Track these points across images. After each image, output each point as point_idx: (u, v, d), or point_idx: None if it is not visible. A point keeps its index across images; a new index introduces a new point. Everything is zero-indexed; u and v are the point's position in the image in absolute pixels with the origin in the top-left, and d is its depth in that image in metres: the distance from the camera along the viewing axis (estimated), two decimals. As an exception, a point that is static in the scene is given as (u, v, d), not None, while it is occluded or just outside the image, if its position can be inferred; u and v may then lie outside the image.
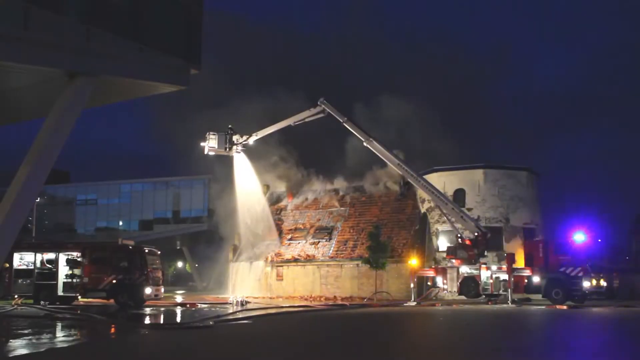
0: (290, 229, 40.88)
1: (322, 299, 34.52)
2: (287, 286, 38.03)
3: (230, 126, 35.72)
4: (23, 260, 29.00)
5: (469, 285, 29.60)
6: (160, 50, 16.56)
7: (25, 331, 17.19)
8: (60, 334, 16.74)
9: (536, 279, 28.47)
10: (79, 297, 28.53)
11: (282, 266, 38.65)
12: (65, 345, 14.39)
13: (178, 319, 22.11)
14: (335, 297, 35.02)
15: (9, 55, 13.57)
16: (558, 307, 26.34)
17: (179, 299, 35.09)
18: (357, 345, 14.28)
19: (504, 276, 28.78)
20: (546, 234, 35.44)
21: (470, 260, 29.60)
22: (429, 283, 32.10)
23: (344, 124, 32.22)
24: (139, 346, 14.76)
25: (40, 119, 16.60)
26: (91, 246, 29.70)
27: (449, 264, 30.72)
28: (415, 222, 36.99)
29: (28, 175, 14.37)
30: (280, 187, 43.39)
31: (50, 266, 28.76)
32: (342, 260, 36.79)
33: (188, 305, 28.39)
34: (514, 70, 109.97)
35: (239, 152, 36.13)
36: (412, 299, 30.17)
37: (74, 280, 28.29)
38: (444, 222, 33.78)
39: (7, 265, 28.22)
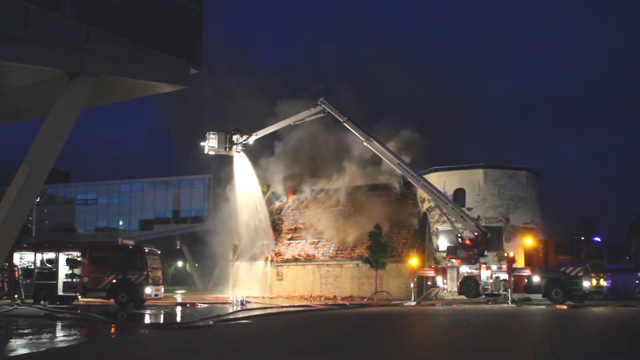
0: (290, 229, 40.87)
1: (322, 298, 34.53)
2: (287, 286, 38.03)
3: (237, 129, 35.56)
4: (23, 260, 28.98)
5: (469, 285, 29.58)
6: (160, 50, 16.56)
7: (25, 331, 17.19)
8: (60, 334, 16.74)
9: (536, 279, 28.47)
10: (79, 296, 28.52)
11: (282, 266, 38.65)
12: (65, 345, 14.39)
13: (178, 319, 22.10)
14: (335, 296, 35.03)
15: (9, 55, 13.58)
16: (558, 306, 26.34)
17: (179, 298, 35.08)
18: (357, 344, 14.29)
19: (504, 276, 28.78)
20: (546, 234, 35.40)
21: (470, 260, 29.59)
22: (429, 283, 32.07)
23: (344, 124, 32.19)
24: (139, 346, 14.76)
25: (40, 119, 16.60)
26: (91, 246, 29.68)
27: (449, 264, 30.70)
28: (415, 222, 36.98)
29: (28, 175, 14.37)
30: (280, 187, 43.35)
31: (50, 266, 28.74)
32: (342, 260, 36.78)
33: (188, 305, 28.40)
34: (514, 70, 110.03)
35: (239, 152, 36.11)
36: (412, 298, 30.18)
37: (74, 280, 28.28)
38: (444, 221, 33.77)
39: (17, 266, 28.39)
